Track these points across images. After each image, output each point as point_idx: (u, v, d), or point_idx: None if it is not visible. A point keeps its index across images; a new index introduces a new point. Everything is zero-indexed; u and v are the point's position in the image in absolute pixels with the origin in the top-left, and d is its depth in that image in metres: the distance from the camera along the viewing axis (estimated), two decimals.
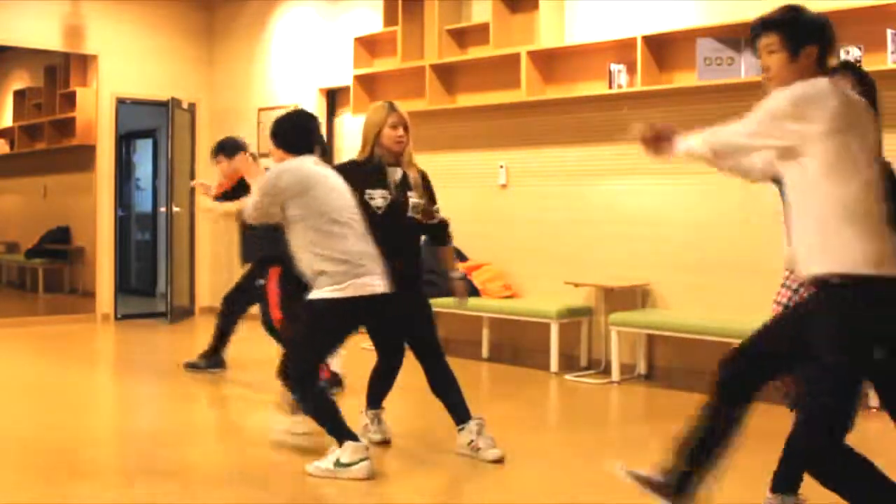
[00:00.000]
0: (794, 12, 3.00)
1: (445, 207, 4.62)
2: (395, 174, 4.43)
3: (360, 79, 8.18)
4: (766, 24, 3.00)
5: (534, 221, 7.23)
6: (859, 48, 5.40)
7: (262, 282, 6.01)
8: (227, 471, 4.32)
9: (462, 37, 7.64)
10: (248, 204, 4.25)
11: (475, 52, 7.49)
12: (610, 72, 6.53)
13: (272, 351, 5.35)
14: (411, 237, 4.53)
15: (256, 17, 9.71)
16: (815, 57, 2.93)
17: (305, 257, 4.12)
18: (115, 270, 9.68)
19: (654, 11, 6.50)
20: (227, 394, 5.98)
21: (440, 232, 4.60)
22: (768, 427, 3.27)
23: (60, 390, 6.06)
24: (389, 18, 7.94)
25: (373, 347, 4.66)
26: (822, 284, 2.81)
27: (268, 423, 5.06)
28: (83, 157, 9.75)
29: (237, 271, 6.57)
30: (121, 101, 9.60)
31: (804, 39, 2.93)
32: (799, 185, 2.85)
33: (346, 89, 8.51)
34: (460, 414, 4.40)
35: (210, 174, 9.20)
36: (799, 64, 2.93)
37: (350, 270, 4.03)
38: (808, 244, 2.84)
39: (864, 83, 3.22)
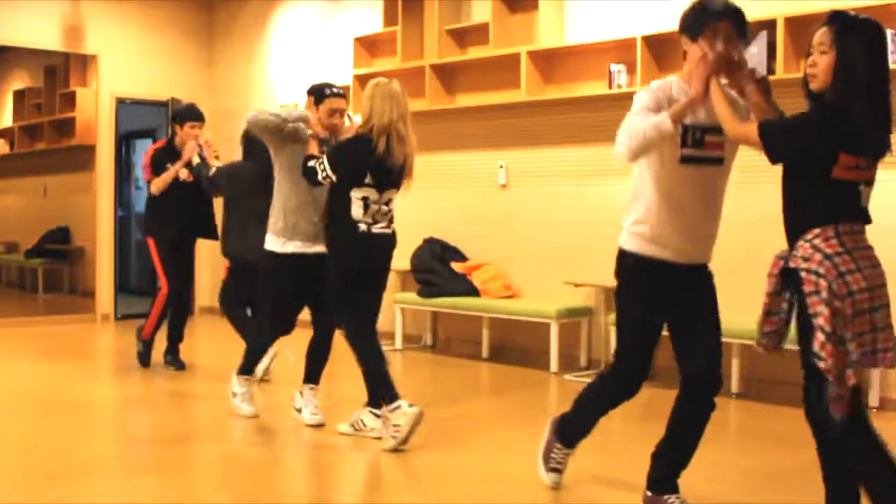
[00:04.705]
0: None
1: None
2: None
3: (360, 79, 8.18)
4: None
5: (534, 221, 7.23)
6: None
7: None
8: (228, 470, 4.32)
9: (462, 37, 7.65)
10: None
11: (475, 52, 7.49)
12: (610, 72, 6.54)
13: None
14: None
15: (256, 17, 9.71)
16: None
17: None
18: (115, 270, 9.68)
19: (654, 11, 6.50)
20: (227, 392, 5.96)
21: None
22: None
23: (60, 390, 6.06)
24: (389, 18, 7.94)
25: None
26: None
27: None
28: (83, 157, 9.75)
29: None
30: (121, 101, 9.61)
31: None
32: None
33: (345, 89, 8.49)
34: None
35: None
36: None
37: None
38: None
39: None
